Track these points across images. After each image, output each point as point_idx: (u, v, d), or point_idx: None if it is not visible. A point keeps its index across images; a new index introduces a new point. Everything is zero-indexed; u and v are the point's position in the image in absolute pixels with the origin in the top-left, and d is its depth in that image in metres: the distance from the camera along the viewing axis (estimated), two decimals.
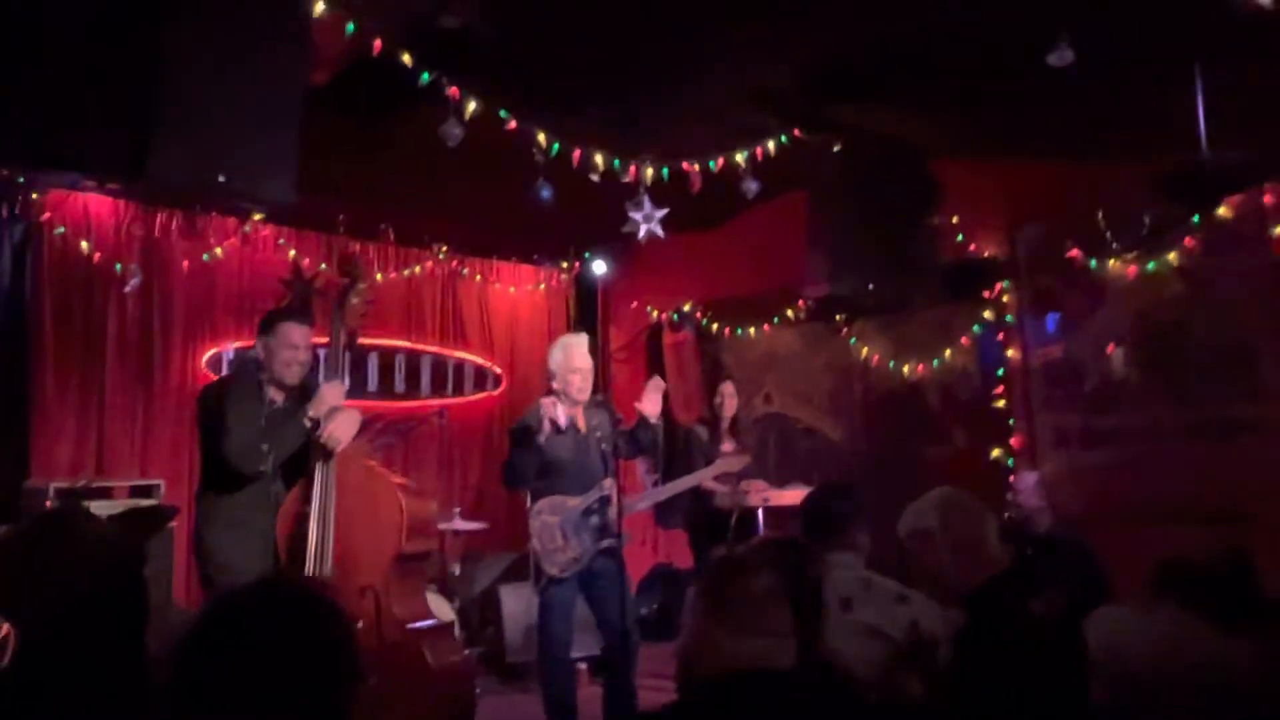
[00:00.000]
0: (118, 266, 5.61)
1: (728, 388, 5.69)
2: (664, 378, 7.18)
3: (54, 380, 5.43)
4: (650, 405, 4.35)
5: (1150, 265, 5.27)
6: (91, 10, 2.68)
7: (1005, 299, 5.86)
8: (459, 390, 7.18)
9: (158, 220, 5.80)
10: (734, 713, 1.64)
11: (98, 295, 5.61)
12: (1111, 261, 5.38)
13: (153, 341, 5.81)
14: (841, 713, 1.75)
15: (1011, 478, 5.26)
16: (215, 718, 1.26)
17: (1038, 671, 2.32)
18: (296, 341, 3.65)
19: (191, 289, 5.95)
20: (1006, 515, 4.67)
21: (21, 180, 5.13)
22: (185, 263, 5.89)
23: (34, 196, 5.28)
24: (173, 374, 5.87)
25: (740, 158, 4.88)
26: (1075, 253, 5.48)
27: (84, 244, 5.50)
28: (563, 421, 4.20)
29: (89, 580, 1.54)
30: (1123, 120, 4.56)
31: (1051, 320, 5.76)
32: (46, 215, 5.39)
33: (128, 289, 5.62)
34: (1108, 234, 5.31)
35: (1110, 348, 5.43)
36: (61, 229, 5.45)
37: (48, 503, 4.81)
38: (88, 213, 5.58)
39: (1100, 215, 5.31)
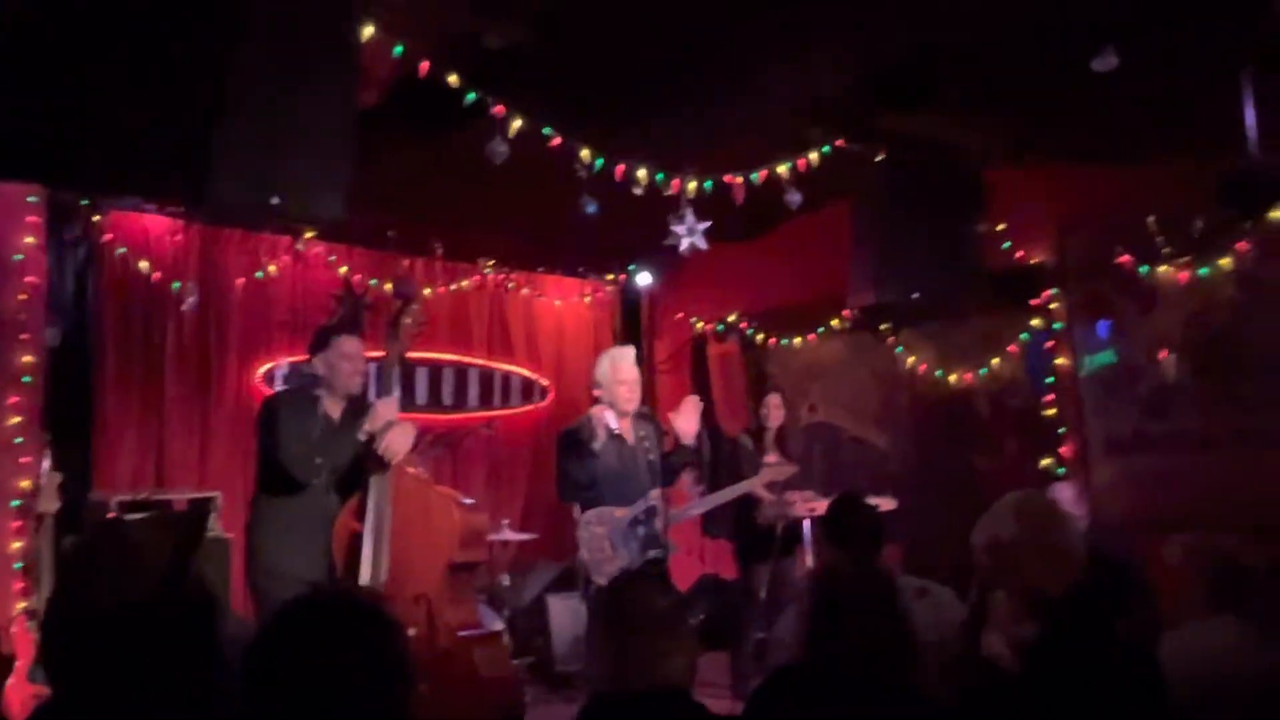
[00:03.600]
0: (175, 285, 5.76)
1: (774, 399, 5.69)
2: (709, 389, 7.31)
3: (115, 396, 5.59)
4: (687, 424, 4.39)
5: (1203, 270, 5.19)
6: (153, 42, 2.78)
7: (1054, 306, 5.80)
8: (506, 402, 7.26)
9: (213, 239, 5.95)
10: None
11: (156, 313, 5.76)
12: (1163, 267, 5.31)
13: (209, 357, 5.95)
14: None
15: (1051, 492, 5.19)
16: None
17: (1113, 694, 2.28)
18: (352, 352, 3.79)
19: (246, 306, 6.09)
20: None
21: (85, 203, 5.30)
22: (240, 280, 6.03)
23: (95, 218, 5.45)
24: (229, 388, 6.01)
25: (783, 169, 4.89)
26: (1125, 258, 5.41)
27: (143, 263, 5.66)
28: (615, 427, 4.26)
29: (156, 584, 1.59)
30: (1172, 124, 4.51)
31: (1102, 327, 5.69)
32: (108, 236, 5.56)
33: (185, 307, 5.77)
34: (1159, 239, 5.24)
35: (1162, 353, 5.35)
36: (122, 249, 5.62)
37: (109, 514, 4.96)
38: (147, 233, 5.74)
39: (1151, 220, 5.24)
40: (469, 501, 4.08)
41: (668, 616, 1.77)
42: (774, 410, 5.62)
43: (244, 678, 1.35)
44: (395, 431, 3.61)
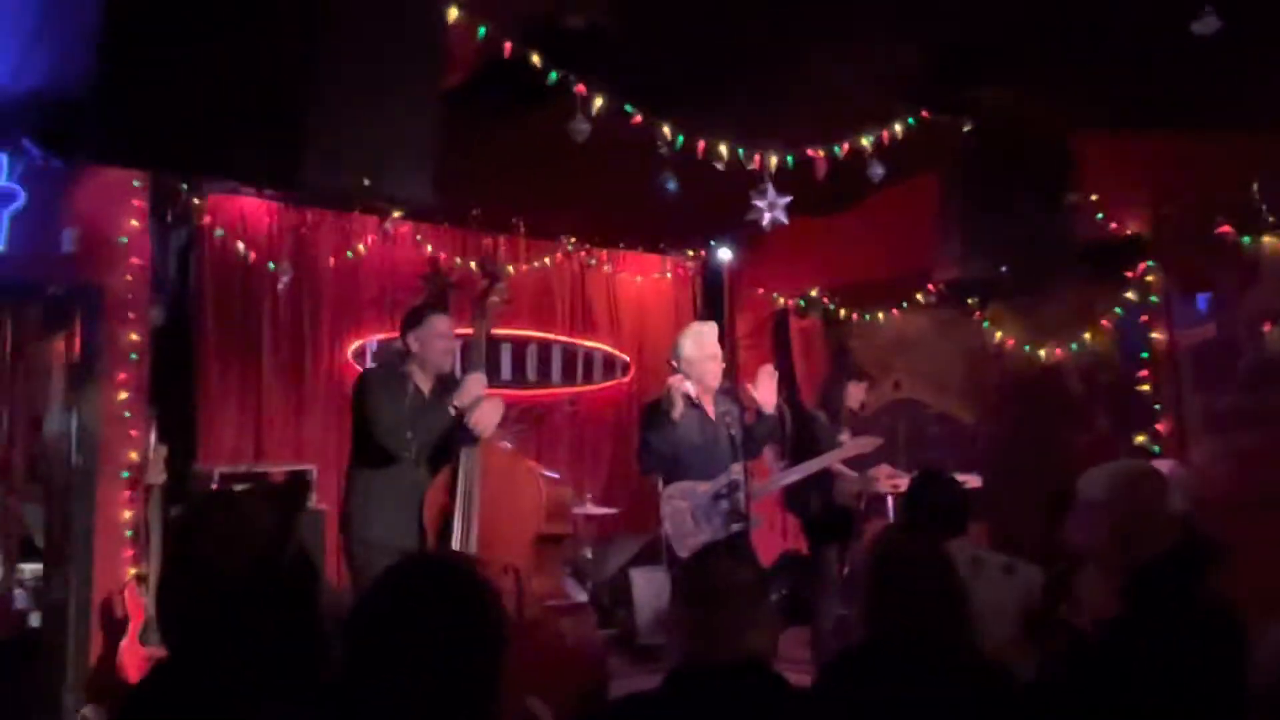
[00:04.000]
0: (271, 265, 5.96)
1: (855, 387, 5.65)
2: (791, 364, 7.27)
3: (216, 372, 5.83)
4: (765, 394, 4.39)
5: None
6: (248, 30, 2.87)
7: (1149, 279, 5.61)
8: (589, 378, 7.34)
9: (306, 220, 6.14)
10: (716, 698, 1.68)
11: (253, 292, 5.98)
12: (1265, 237, 5.10)
13: (303, 335, 6.16)
14: (823, 703, 1.77)
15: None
16: (384, 681, 1.38)
17: (1193, 664, 2.24)
18: (444, 331, 3.91)
19: (337, 285, 6.28)
20: None
21: (184, 187, 5.51)
22: (331, 260, 6.21)
23: (195, 202, 5.66)
24: (321, 364, 6.21)
25: (866, 141, 4.82)
26: (1225, 228, 5.21)
27: (240, 245, 5.87)
28: (694, 393, 4.29)
29: (261, 552, 1.68)
30: (1274, 87, 4.31)
31: (1202, 300, 5.49)
32: (207, 219, 5.78)
33: (280, 286, 5.97)
34: (1263, 207, 5.03)
35: (1265, 327, 5.14)
36: (220, 231, 5.84)
37: (213, 486, 5.18)
38: (243, 215, 5.95)
39: (1254, 187, 5.03)
40: (554, 475, 4.16)
41: (749, 589, 1.79)
42: (853, 393, 5.57)
43: (346, 638, 1.42)
44: (485, 406, 3.72)
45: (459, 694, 1.39)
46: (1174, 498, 2.57)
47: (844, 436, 5.37)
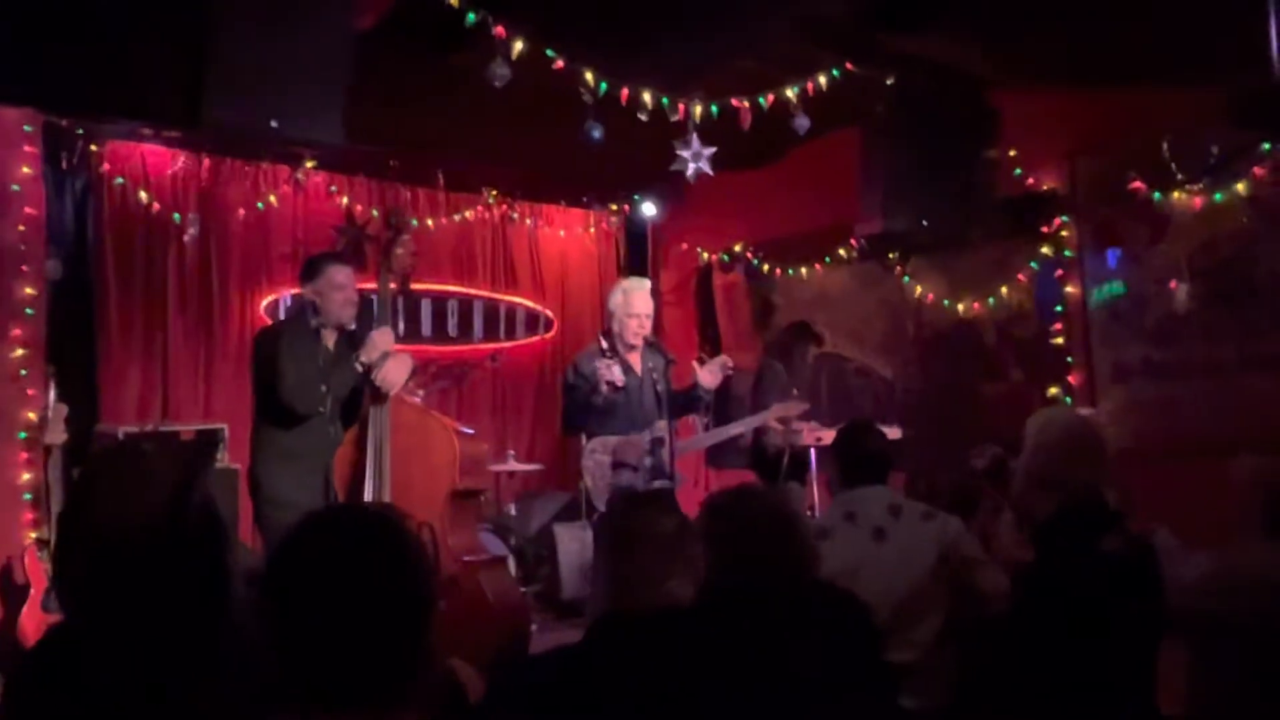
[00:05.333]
0: (176, 216, 5.71)
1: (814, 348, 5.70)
2: (714, 319, 7.26)
3: (118, 328, 5.59)
4: (710, 380, 4.40)
5: (1217, 196, 5.10)
6: None
7: (1064, 234, 5.72)
8: (511, 334, 7.24)
9: (213, 169, 5.89)
10: (639, 648, 1.66)
11: (157, 244, 5.74)
12: (1176, 193, 5.22)
13: (212, 289, 5.93)
14: (745, 647, 1.77)
15: None
16: (304, 636, 1.30)
17: (1105, 609, 2.30)
18: (341, 281, 3.77)
19: (247, 237, 6.06)
20: None
21: (81, 132, 5.23)
22: (241, 211, 5.98)
23: (93, 148, 5.38)
24: (232, 320, 6.00)
25: (791, 93, 4.79)
26: (1138, 184, 5.32)
27: (142, 194, 5.61)
28: (620, 381, 4.25)
29: (167, 506, 1.58)
30: (1189, 43, 4.39)
31: (1112, 255, 5.62)
32: (105, 167, 5.50)
33: (186, 237, 5.74)
34: (1172, 164, 5.15)
35: (1173, 283, 5.29)
36: (120, 180, 5.56)
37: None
38: (145, 163, 5.68)
39: (1165, 145, 5.14)
40: (468, 430, 4.09)
41: (670, 537, 1.75)
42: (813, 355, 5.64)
43: (262, 591, 1.34)
44: (391, 362, 3.61)
45: (388, 652, 1.32)
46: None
47: (795, 393, 5.34)
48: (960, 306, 6.13)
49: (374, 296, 4.15)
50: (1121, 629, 2.32)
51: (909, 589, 2.67)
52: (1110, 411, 5.30)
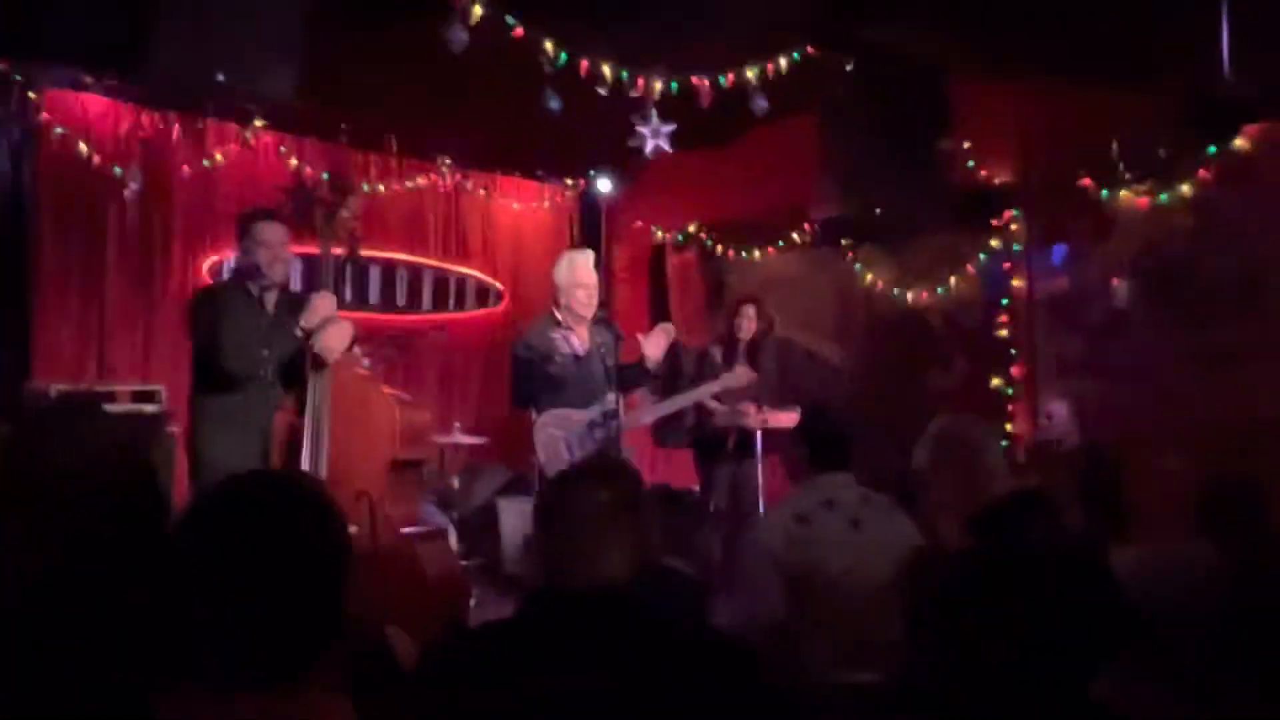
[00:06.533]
0: (117, 170, 5.55)
1: (749, 309, 5.56)
2: (666, 298, 7.26)
3: (54, 282, 5.43)
4: (655, 350, 4.36)
5: (1162, 197, 5.20)
6: None
7: (1014, 227, 5.79)
8: (460, 305, 7.18)
9: (157, 124, 5.72)
10: (568, 624, 1.65)
11: (98, 198, 5.57)
12: (1123, 192, 5.31)
13: (153, 247, 5.79)
14: (676, 627, 1.76)
15: (1047, 408, 5.26)
16: (213, 600, 1.28)
17: (1042, 605, 2.32)
18: (269, 239, 3.67)
19: (192, 195, 5.91)
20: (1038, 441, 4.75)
21: (18, 78, 5.04)
22: (185, 168, 5.82)
23: (31, 96, 5.19)
24: (174, 280, 5.85)
25: (751, 74, 4.78)
26: (1087, 182, 5.40)
27: (82, 146, 5.43)
28: (580, 350, 4.22)
29: (106, 468, 1.54)
30: (1143, 45, 4.45)
31: (1058, 252, 5.71)
32: (45, 116, 5.31)
33: (127, 193, 5.57)
34: (1121, 164, 5.23)
35: (1115, 280, 5.39)
36: (60, 130, 5.38)
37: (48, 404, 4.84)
38: (86, 114, 5.50)
39: (1115, 144, 5.22)
40: (408, 399, 4.03)
41: (606, 512, 1.73)
42: (748, 322, 5.50)
43: (172, 552, 1.31)
44: (332, 330, 3.52)
45: (295, 616, 1.30)
46: (995, 450, 2.66)
47: (739, 368, 5.27)
48: (909, 295, 6.20)
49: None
50: (1062, 622, 2.34)
51: (887, 578, 2.69)
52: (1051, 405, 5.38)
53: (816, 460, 2.93)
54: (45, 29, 2.60)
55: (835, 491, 2.85)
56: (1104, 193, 5.37)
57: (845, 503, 2.82)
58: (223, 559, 1.28)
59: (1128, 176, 5.27)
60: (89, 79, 5.18)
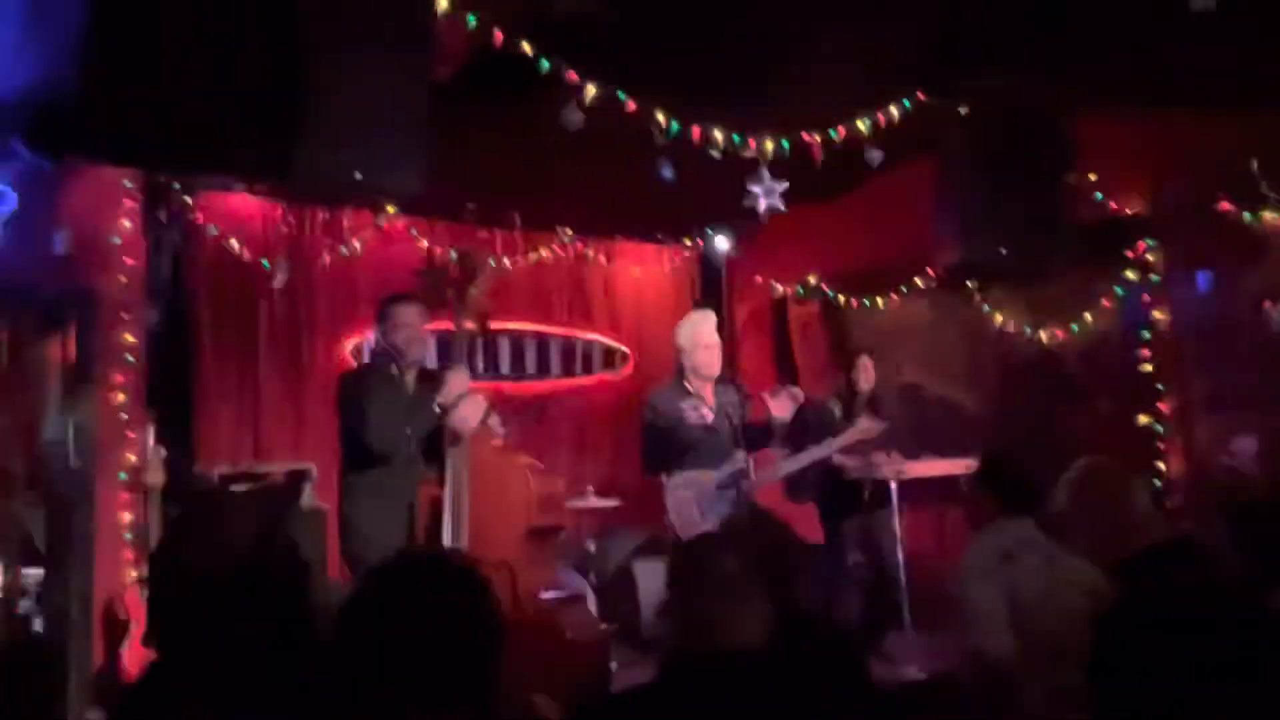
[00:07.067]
0: (265, 262, 5.93)
1: (865, 361, 5.54)
2: (790, 352, 7.23)
3: (213, 372, 5.80)
4: (781, 411, 4.39)
5: None
6: (233, 26, 2.84)
7: (1150, 258, 5.58)
8: (588, 370, 7.31)
9: (299, 218, 6.10)
10: (711, 690, 1.65)
11: (249, 290, 5.96)
12: (1267, 213, 5.06)
13: (300, 332, 6.14)
14: (811, 690, 1.74)
15: (1231, 445, 5.01)
16: (374, 683, 1.35)
17: (1196, 655, 2.21)
18: (406, 320, 3.87)
19: (332, 281, 6.25)
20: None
21: (176, 186, 5.47)
22: (326, 257, 6.18)
23: (187, 200, 5.62)
24: (319, 362, 6.18)
25: (863, 125, 4.78)
26: (1226, 205, 5.17)
27: (234, 242, 5.83)
28: (710, 418, 4.27)
29: (246, 552, 1.65)
30: (1270, 61, 4.27)
31: (1203, 278, 5.45)
32: (199, 217, 5.74)
33: (275, 283, 5.94)
34: (1262, 183, 5.00)
35: (1267, 304, 5.11)
36: (214, 229, 5.80)
37: (213, 486, 5.16)
38: (236, 213, 5.92)
39: (1254, 164, 4.99)
40: (540, 466, 4.14)
41: (738, 578, 1.76)
42: (865, 372, 5.47)
43: (338, 635, 1.40)
44: (466, 403, 3.68)
45: (456, 691, 1.36)
46: (1140, 494, 2.56)
47: (863, 420, 5.23)
48: (1043, 334, 6.01)
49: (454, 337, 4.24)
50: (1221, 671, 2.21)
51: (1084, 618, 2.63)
52: (1208, 442, 5.11)
53: (1007, 505, 2.91)
54: (200, 145, 2.85)
55: (1024, 534, 2.82)
56: (1246, 215, 5.13)
57: (1036, 544, 2.78)
58: (387, 637, 1.36)
59: (1272, 196, 5.02)
60: (240, 185, 5.57)
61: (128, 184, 5.10)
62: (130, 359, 5.06)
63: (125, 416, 4.99)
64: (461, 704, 1.37)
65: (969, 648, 2.81)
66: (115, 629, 4.62)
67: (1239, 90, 4.70)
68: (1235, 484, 4.54)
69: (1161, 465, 5.38)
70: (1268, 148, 4.94)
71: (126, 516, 4.94)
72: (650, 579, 5.90)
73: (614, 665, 4.48)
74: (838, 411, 5.43)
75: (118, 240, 5.05)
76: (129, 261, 5.11)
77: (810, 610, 2.71)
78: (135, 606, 4.61)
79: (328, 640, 1.63)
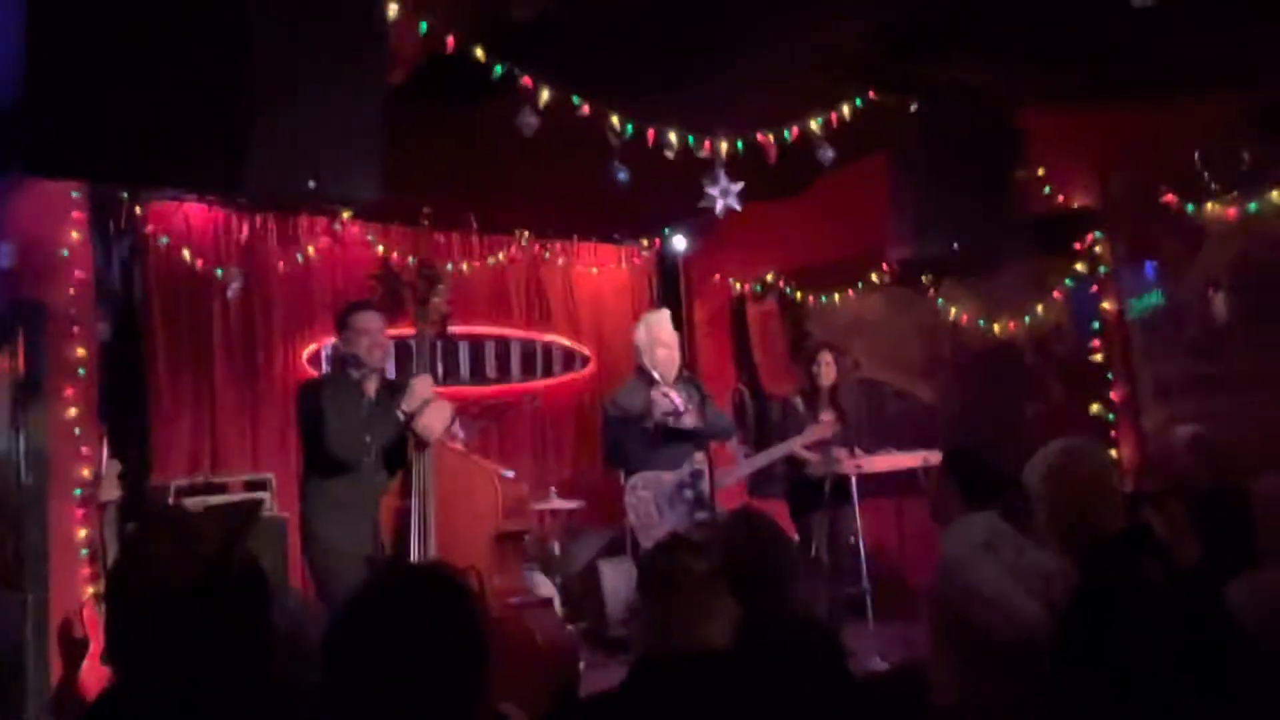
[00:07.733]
0: (218, 271, 5.85)
1: (826, 356, 5.55)
2: (749, 350, 7.27)
3: (167, 383, 5.71)
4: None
5: (1252, 206, 5.06)
6: (182, 32, 2.81)
7: (1098, 250, 5.69)
8: (548, 372, 7.31)
9: (253, 225, 6.03)
10: (678, 693, 1.68)
11: (202, 300, 5.87)
12: (1209, 204, 5.19)
13: (255, 341, 6.05)
14: (780, 690, 1.78)
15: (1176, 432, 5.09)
16: (367, 696, 1.35)
17: (1157, 640, 2.26)
18: (366, 327, 3.83)
19: (288, 289, 6.18)
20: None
21: (125, 196, 5.38)
22: (281, 264, 6.11)
23: (136, 210, 5.53)
24: (276, 371, 6.11)
25: (815, 124, 4.83)
26: (1170, 197, 5.29)
27: (186, 252, 5.75)
28: (681, 407, 4.28)
29: (206, 571, 1.64)
30: (1212, 55, 4.38)
31: (1149, 268, 5.58)
32: (150, 227, 5.65)
33: (229, 293, 5.87)
34: (1204, 175, 5.12)
35: (1210, 293, 5.24)
36: (165, 239, 5.71)
37: (170, 500, 5.08)
38: (188, 222, 5.83)
39: (1196, 156, 5.11)
40: (509, 473, 4.14)
41: (706, 579, 1.78)
42: (826, 368, 5.49)
43: (325, 652, 1.39)
44: (431, 410, 3.67)
45: (446, 705, 1.37)
46: (1115, 473, 2.61)
47: (825, 416, 5.26)
48: (996, 327, 6.11)
49: (413, 343, 4.23)
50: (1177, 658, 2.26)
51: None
52: (1156, 429, 5.23)
53: (971, 498, 2.94)
54: (151, 157, 2.81)
55: (993, 524, 2.86)
56: (1189, 206, 5.25)
57: (1006, 535, 2.82)
58: (378, 651, 1.36)
59: (1214, 187, 5.15)
60: (191, 195, 5.50)
61: (75, 195, 5.02)
62: (81, 372, 4.98)
63: (78, 430, 4.92)
64: (455, 716, 1.38)
65: (990, 628, 2.76)
66: (73, 647, 4.55)
67: (1178, 84, 4.81)
68: (1180, 472, 4.63)
69: (1114, 453, 5.49)
70: (1207, 140, 5.06)
71: (81, 533, 4.87)
72: (615, 578, 5.92)
73: (582, 665, 4.49)
74: (802, 407, 5.46)
75: (66, 252, 4.97)
76: (78, 273, 5.03)
77: (800, 609, 2.72)
78: (93, 624, 4.54)
79: (300, 654, 1.63)
